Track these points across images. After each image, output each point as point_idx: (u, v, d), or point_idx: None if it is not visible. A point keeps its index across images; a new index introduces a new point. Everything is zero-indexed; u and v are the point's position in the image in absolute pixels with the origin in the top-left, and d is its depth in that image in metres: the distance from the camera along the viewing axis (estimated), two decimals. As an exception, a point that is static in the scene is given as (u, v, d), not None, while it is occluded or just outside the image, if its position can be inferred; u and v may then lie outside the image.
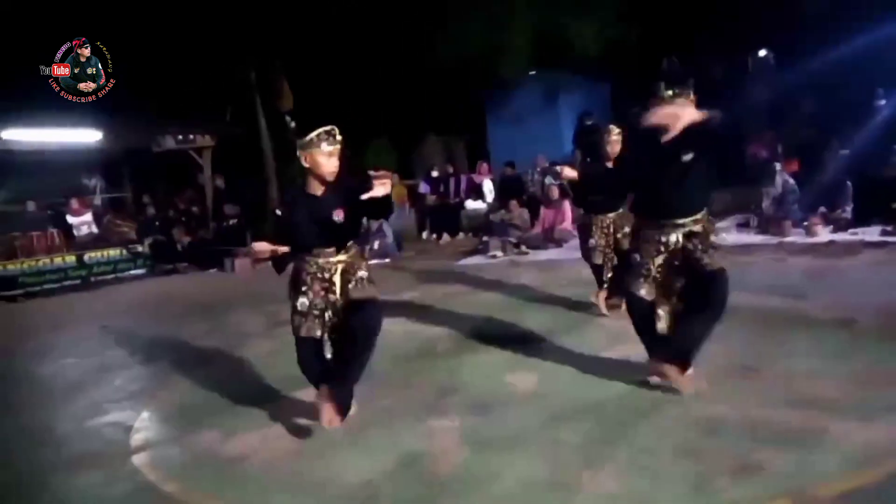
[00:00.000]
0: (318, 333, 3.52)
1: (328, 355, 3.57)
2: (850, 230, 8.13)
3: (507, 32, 13.48)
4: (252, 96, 14.55)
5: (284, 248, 3.46)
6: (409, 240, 12.17)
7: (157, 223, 13.01)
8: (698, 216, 3.60)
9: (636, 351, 3.94)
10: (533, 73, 15.02)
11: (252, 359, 5.34)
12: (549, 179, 10.99)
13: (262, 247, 3.44)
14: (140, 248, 12.08)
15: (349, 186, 3.49)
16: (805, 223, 8.48)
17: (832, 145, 9.53)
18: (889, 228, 7.75)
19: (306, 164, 3.41)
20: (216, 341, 6.14)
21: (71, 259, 11.22)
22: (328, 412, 3.49)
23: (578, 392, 3.86)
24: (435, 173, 13.82)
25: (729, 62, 13.43)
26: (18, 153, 11.37)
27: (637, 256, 3.70)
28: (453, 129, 16.53)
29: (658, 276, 3.65)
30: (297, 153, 3.41)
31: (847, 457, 2.77)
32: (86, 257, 11.38)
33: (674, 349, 3.61)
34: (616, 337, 4.62)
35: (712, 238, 3.64)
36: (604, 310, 5.47)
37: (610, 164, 5.22)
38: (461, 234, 12.25)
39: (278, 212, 3.53)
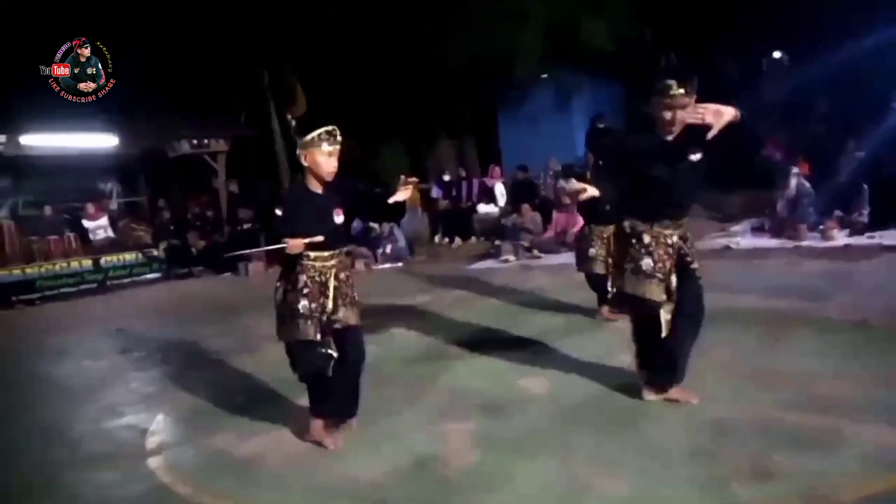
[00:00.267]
0: (318, 336, 3.49)
1: (333, 353, 3.53)
2: (867, 234, 8.00)
3: (520, 31, 13.41)
4: (265, 99, 14.65)
5: (319, 238, 3.38)
6: (422, 243, 12.18)
7: (172, 227, 13.14)
8: (687, 216, 3.59)
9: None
10: (545, 75, 14.96)
11: (266, 362, 5.34)
12: (562, 182, 10.94)
13: (297, 242, 3.35)
14: (155, 252, 12.20)
15: (348, 187, 3.50)
16: (821, 227, 8.37)
17: (848, 147, 9.43)
18: (907, 232, 7.64)
19: (306, 164, 3.43)
20: (230, 344, 6.20)
21: (87, 263, 11.35)
22: (331, 441, 3.55)
23: (590, 395, 3.86)
24: (447, 177, 13.82)
25: (743, 63, 13.35)
26: (36, 158, 11.52)
27: (650, 261, 3.51)
28: (466, 131, 16.52)
29: (666, 278, 3.57)
30: (297, 152, 3.43)
31: (862, 459, 2.75)
32: (102, 261, 11.51)
33: (679, 374, 3.56)
34: (628, 340, 4.58)
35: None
36: (612, 317, 5.40)
37: None
38: (473, 238, 12.20)
39: (278, 211, 3.50)
